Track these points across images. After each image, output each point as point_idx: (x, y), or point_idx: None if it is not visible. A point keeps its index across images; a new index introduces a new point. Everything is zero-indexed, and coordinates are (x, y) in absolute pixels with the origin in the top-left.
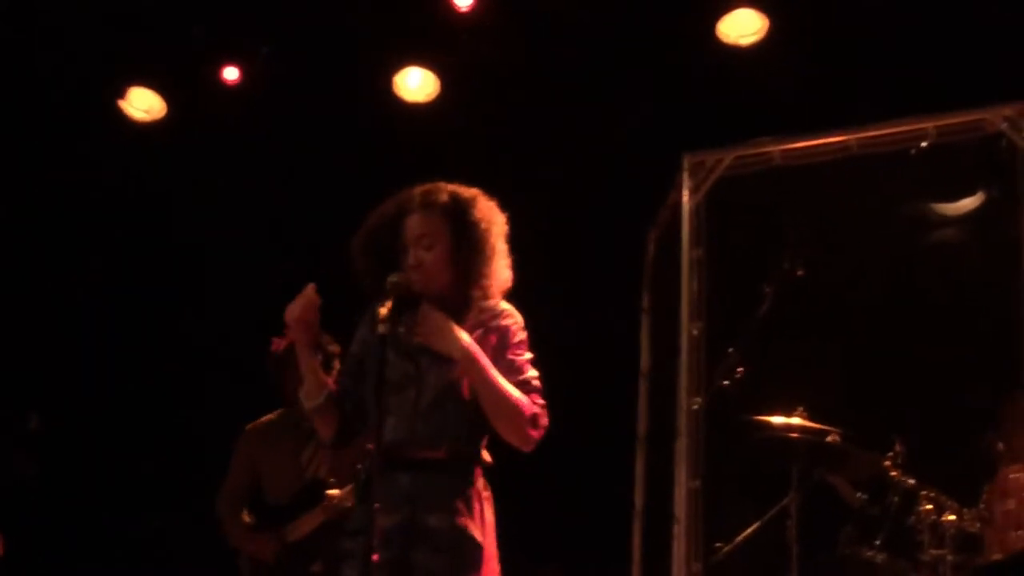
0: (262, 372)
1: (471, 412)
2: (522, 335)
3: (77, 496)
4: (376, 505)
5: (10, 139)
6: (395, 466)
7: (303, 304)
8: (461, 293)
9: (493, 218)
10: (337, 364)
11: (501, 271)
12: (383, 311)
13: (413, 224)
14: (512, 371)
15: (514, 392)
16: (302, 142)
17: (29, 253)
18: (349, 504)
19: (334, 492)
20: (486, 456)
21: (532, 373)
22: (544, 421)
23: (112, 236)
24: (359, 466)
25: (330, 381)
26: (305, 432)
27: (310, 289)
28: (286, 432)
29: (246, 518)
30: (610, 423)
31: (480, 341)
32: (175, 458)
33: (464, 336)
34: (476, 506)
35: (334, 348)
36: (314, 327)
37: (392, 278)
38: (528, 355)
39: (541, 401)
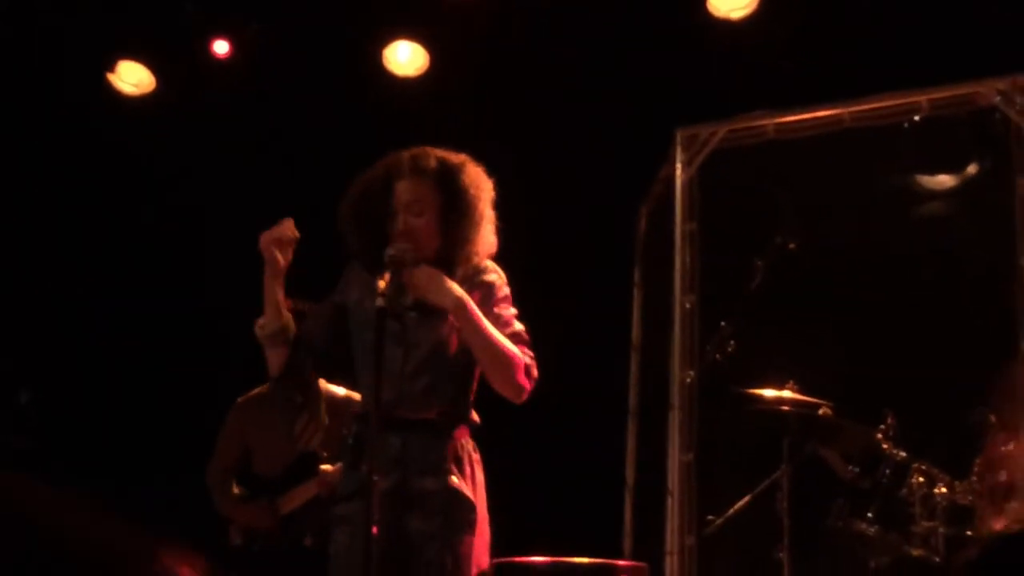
0: (254, 344)
1: (459, 372)
2: (506, 290)
3: (69, 470)
4: (375, 478)
5: None
6: (385, 428)
7: (278, 232)
8: (449, 257)
9: (481, 184)
10: None
11: (488, 236)
12: (381, 284)
13: (402, 189)
14: (500, 324)
15: (507, 343)
16: (292, 116)
17: (18, 228)
18: (334, 480)
19: (327, 467)
20: (475, 416)
21: (519, 326)
22: (535, 372)
23: (103, 210)
24: (344, 431)
25: (290, 318)
26: (296, 405)
27: (288, 222)
28: (277, 404)
29: (235, 490)
30: (601, 397)
31: None
32: (167, 431)
33: (456, 288)
34: (467, 467)
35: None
36: (284, 256)
37: (390, 251)
38: (513, 310)
39: (531, 353)
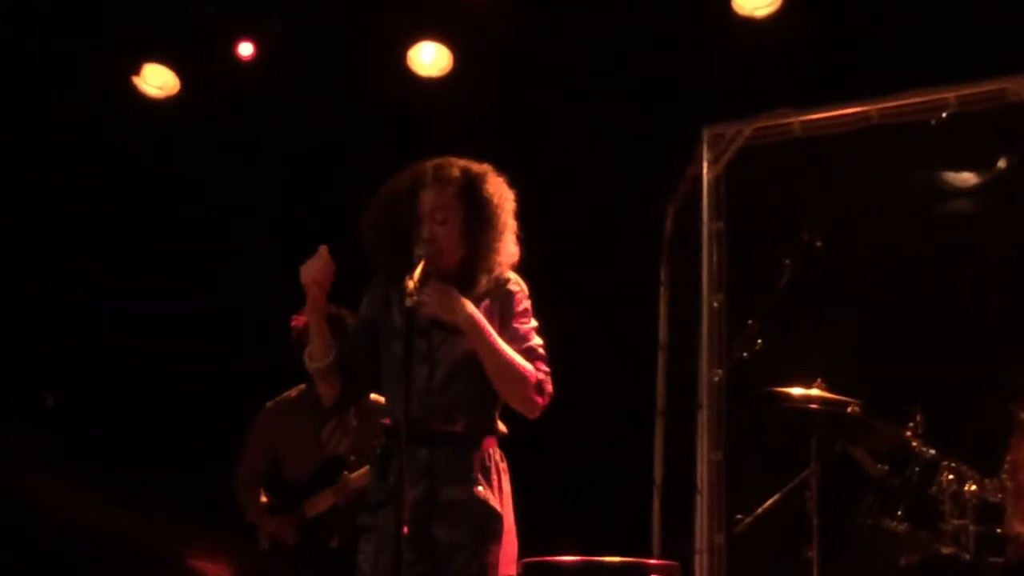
0: (281, 348)
1: (484, 385)
2: (526, 303)
3: (95, 473)
4: (405, 478)
5: (26, 117)
6: (412, 441)
7: (319, 265)
8: (471, 267)
9: (503, 194)
10: None
11: (509, 246)
12: (411, 284)
13: (427, 199)
14: (517, 339)
15: (518, 359)
16: (316, 117)
17: (44, 230)
18: (361, 485)
19: (351, 474)
20: (501, 427)
21: (537, 341)
22: (549, 388)
23: (127, 212)
24: (375, 442)
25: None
26: (325, 409)
27: (323, 250)
28: (306, 409)
29: (263, 496)
30: (628, 396)
31: (486, 311)
32: (194, 435)
33: (469, 305)
34: (494, 477)
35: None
36: (326, 288)
37: (419, 251)
38: (533, 323)
39: (546, 368)
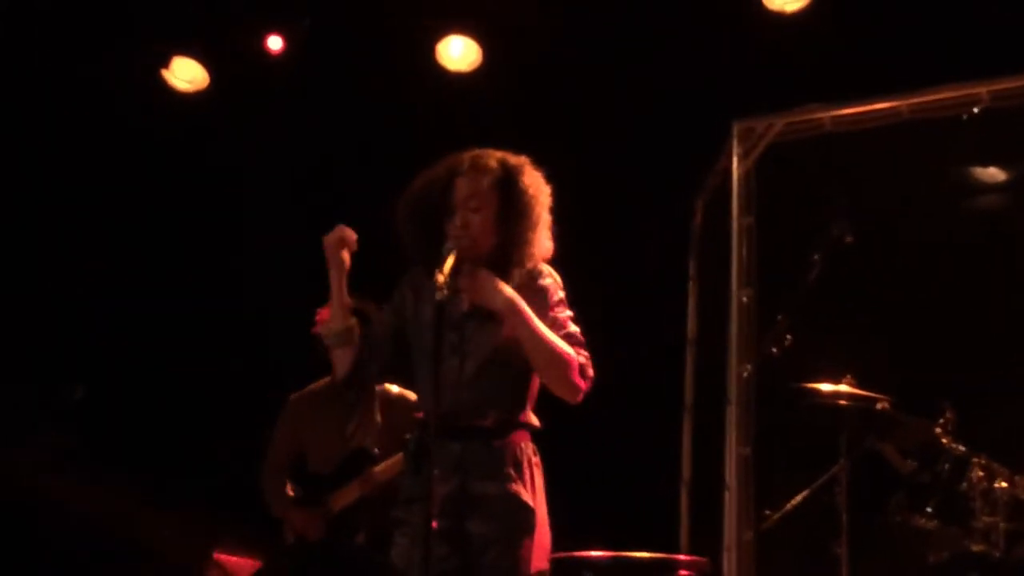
0: (306, 341)
1: (516, 378)
2: (561, 293)
3: (122, 466)
4: (437, 471)
5: (55, 110)
6: (444, 435)
7: (340, 233)
8: (504, 257)
9: (540, 187)
10: None
11: (543, 240)
12: (441, 277)
13: (462, 186)
14: (555, 327)
15: (560, 343)
16: (345, 111)
17: (72, 224)
18: (386, 479)
19: (376, 468)
20: (534, 420)
21: (574, 328)
22: (591, 372)
23: (155, 206)
24: (407, 436)
25: (355, 319)
26: (351, 402)
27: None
28: (331, 402)
29: (289, 489)
30: (656, 391)
31: None
32: (221, 428)
33: (508, 289)
34: (526, 471)
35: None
36: (347, 249)
37: (449, 244)
38: (568, 312)
39: (586, 353)
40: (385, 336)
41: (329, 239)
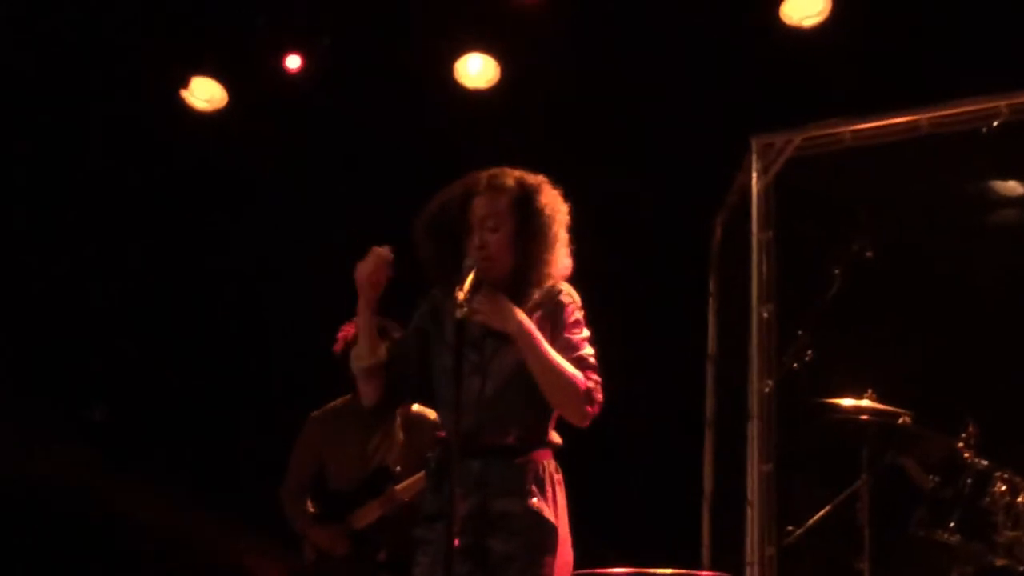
0: (328, 358)
1: (537, 396)
2: (578, 314)
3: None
4: (458, 490)
5: (74, 130)
6: (465, 453)
7: (374, 263)
8: (522, 277)
9: (557, 206)
10: None
11: (561, 258)
12: (460, 294)
13: (479, 205)
14: (568, 348)
15: (568, 368)
16: (363, 130)
17: (92, 244)
18: (408, 497)
19: (398, 486)
20: (556, 437)
21: (588, 351)
22: (599, 396)
23: (174, 225)
24: (429, 454)
25: (383, 347)
26: (370, 418)
27: (383, 250)
28: (351, 419)
29: (310, 506)
30: (677, 407)
31: (538, 322)
32: (241, 446)
33: (520, 313)
34: (548, 489)
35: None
36: (379, 288)
37: (468, 262)
38: (585, 333)
39: (596, 377)
40: (411, 361)
41: (361, 275)
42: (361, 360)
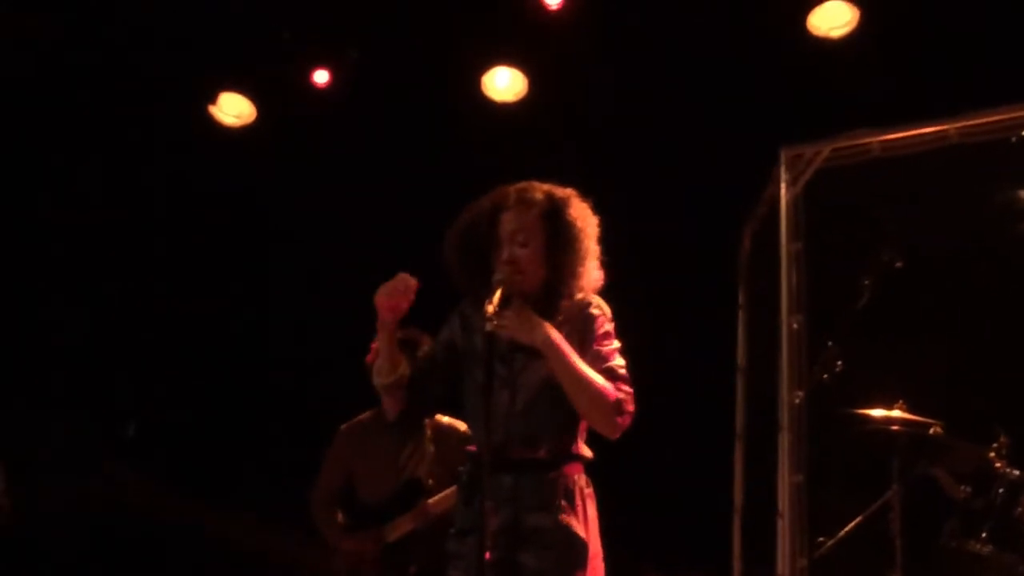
0: (359, 372)
1: (567, 410)
2: (609, 326)
3: (174, 501)
4: (489, 503)
5: (103, 147)
6: (496, 468)
7: (393, 289)
8: (552, 291)
9: (587, 218)
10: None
11: (592, 271)
12: (490, 308)
13: (508, 220)
14: (598, 360)
15: (598, 379)
16: (392, 144)
17: (122, 259)
18: (440, 511)
19: (430, 500)
20: (586, 451)
21: (618, 361)
22: (630, 407)
23: (205, 242)
24: (461, 468)
25: (405, 363)
26: (399, 432)
27: (405, 277)
28: (381, 431)
29: (340, 518)
30: (707, 419)
31: (568, 335)
32: (272, 460)
33: (547, 327)
34: (579, 503)
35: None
36: (399, 312)
37: (498, 276)
38: (615, 344)
39: (627, 388)
40: (436, 376)
41: (380, 300)
42: (381, 377)
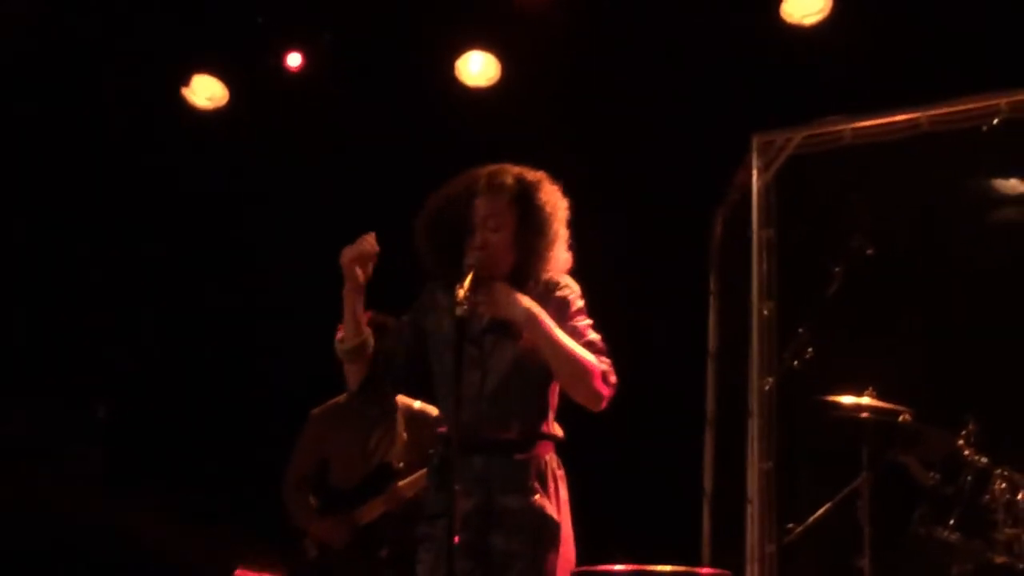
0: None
1: (538, 390)
2: (580, 303)
3: (144, 484)
4: (457, 487)
5: (76, 129)
6: (468, 449)
7: (359, 248)
8: (521, 274)
9: (557, 202)
10: None
11: (561, 253)
12: (461, 292)
13: (480, 206)
14: (575, 335)
15: (581, 351)
16: (364, 128)
17: (94, 242)
18: (411, 494)
19: (401, 483)
20: (557, 430)
21: (595, 336)
22: (613, 378)
23: (176, 224)
24: (431, 451)
25: (370, 331)
26: (372, 417)
27: (370, 237)
28: (353, 416)
29: (312, 502)
30: (677, 405)
31: None
32: (241, 444)
33: (525, 300)
34: (551, 485)
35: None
36: (365, 272)
37: (469, 260)
38: (588, 320)
39: (608, 360)
40: (401, 350)
41: (346, 252)
42: (347, 341)
